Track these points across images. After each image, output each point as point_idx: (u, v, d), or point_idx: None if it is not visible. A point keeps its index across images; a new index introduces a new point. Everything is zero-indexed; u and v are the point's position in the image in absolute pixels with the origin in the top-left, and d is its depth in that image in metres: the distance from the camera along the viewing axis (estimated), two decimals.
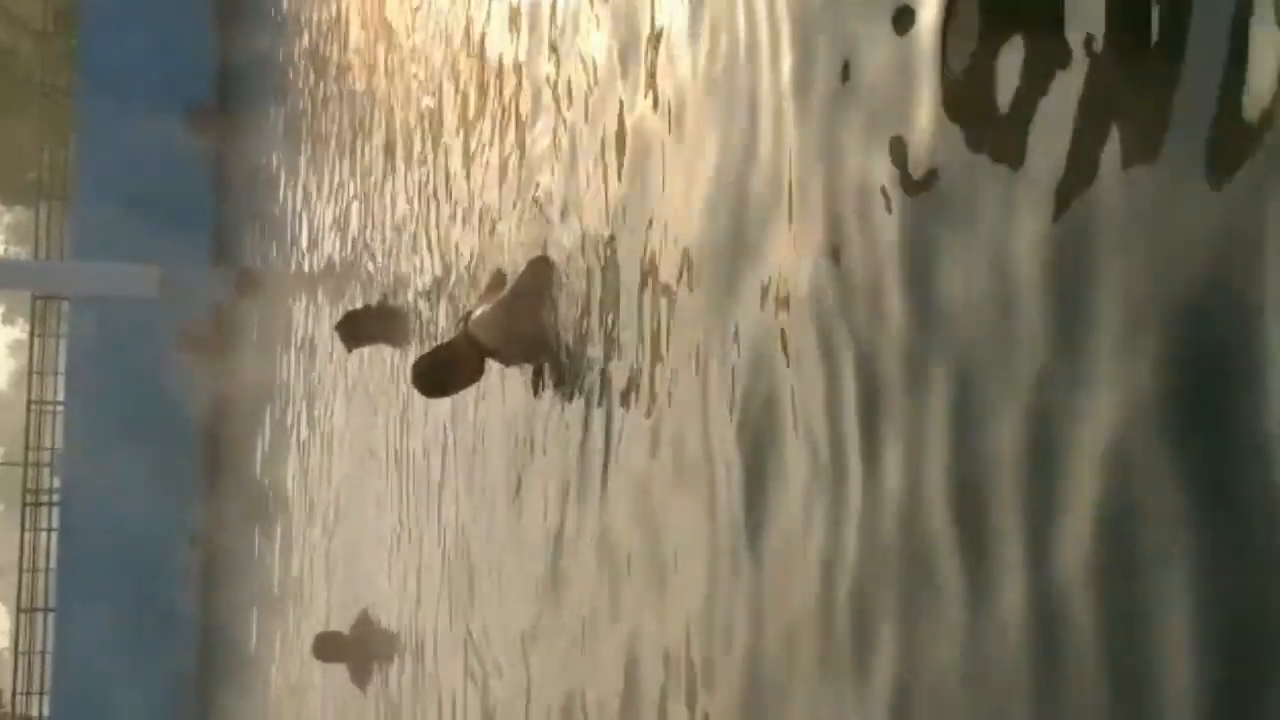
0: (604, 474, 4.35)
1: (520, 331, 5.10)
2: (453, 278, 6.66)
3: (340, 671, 8.87)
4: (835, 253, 2.90)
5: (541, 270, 5.04)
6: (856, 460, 2.77)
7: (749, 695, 3.23)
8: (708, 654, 3.47)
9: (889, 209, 2.69)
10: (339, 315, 8.89)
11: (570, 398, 4.71)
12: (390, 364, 8.23)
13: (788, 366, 3.11)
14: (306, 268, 12.17)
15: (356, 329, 8.58)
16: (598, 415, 4.44)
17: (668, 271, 3.90)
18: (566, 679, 4.66)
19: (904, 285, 2.62)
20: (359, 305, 9.06)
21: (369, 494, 8.58)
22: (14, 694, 18.95)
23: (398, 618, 7.61)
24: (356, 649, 8.54)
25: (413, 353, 7.53)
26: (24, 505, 19.08)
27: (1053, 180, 2.18)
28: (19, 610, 18.92)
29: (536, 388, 5.08)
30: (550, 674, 4.84)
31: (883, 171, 2.71)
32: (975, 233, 2.39)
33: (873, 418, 2.73)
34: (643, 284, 4.07)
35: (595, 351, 4.50)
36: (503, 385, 5.57)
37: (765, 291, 3.24)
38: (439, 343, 6.68)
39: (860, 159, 2.81)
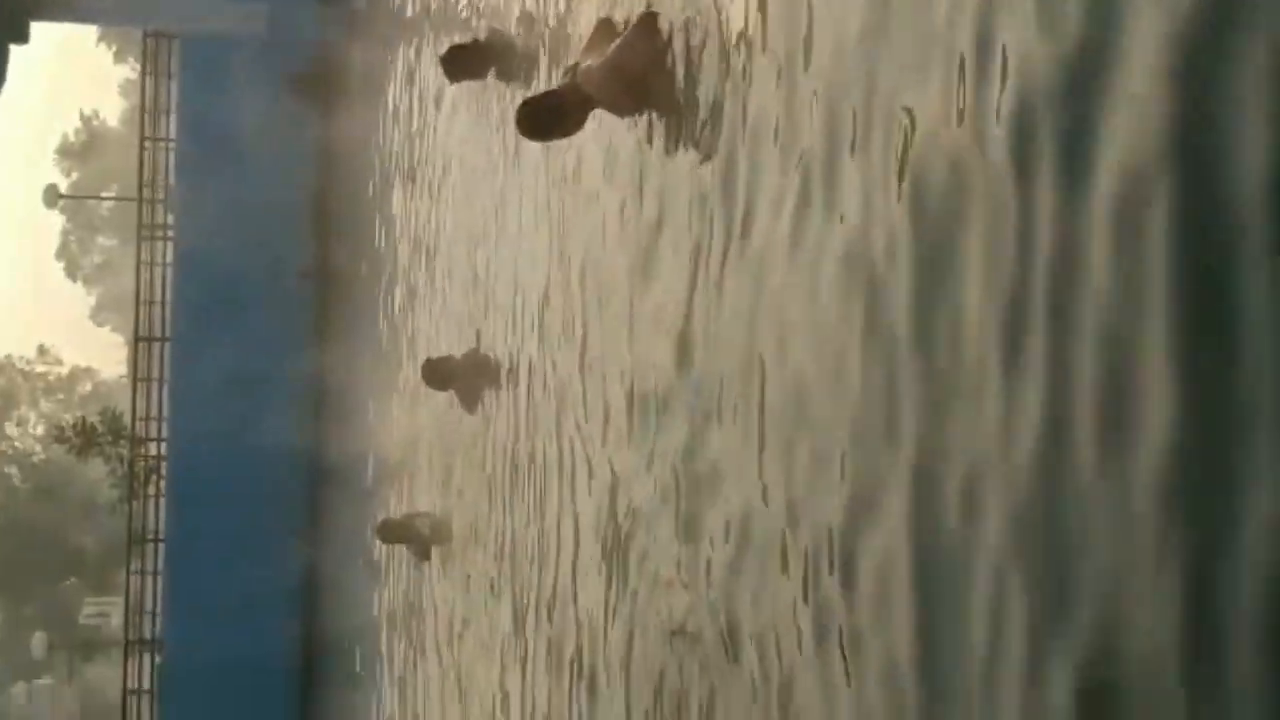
0: (735, 225, 4.36)
1: (630, 82, 5.15)
2: (561, 16, 6.77)
3: (449, 398, 9.22)
4: None
5: (651, 24, 5.08)
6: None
7: None
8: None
9: None
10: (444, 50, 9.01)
11: (685, 147, 4.81)
12: (499, 104, 8.40)
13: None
14: (413, 5, 12.27)
15: (461, 62, 8.71)
16: (715, 163, 4.53)
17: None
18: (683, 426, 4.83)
19: None
20: (465, 40, 9.15)
21: (480, 232, 8.84)
22: (134, 419, 19.72)
23: (508, 347, 7.91)
24: (465, 374, 8.83)
25: (517, 90, 7.67)
26: (139, 239, 19.59)
27: None
28: (136, 339, 19.58)
29: (650, 138, 5.17)
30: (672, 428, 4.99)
31: None
32: None
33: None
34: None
35: (711, 99, 4.58)
36: (614, 135, 5.64)
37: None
38: (543, 82, 6.83)
39: None
